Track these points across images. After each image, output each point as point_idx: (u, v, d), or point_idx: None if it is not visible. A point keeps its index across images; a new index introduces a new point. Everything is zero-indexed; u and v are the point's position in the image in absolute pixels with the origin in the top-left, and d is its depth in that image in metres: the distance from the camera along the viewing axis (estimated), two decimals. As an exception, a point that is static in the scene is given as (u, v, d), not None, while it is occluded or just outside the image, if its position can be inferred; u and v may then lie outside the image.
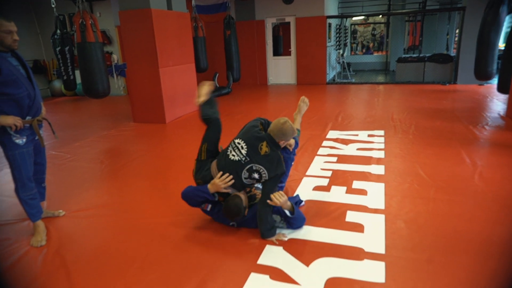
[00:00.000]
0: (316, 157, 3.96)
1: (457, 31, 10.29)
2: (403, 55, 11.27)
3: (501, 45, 7.16)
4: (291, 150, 2.74)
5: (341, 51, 11.32)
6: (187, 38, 6.64)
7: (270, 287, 1.93)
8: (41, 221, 2.61)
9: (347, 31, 13.02)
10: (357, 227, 2.48)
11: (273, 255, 2.22)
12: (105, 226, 2.72)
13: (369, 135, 4.69)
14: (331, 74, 10.92)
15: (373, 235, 2.38)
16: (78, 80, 7.55)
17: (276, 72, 10.55)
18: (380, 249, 2.22)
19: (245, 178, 2.40)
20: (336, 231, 2.45)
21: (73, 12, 9.03)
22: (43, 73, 10.14)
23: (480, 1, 7.24)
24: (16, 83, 2.33)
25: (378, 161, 3.75)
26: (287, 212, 2.41)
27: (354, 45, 16.55)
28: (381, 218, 2.59)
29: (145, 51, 5.73)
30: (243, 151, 2.40)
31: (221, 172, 2.40)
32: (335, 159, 3.88)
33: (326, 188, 3.16)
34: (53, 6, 6.02)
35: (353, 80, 10.45)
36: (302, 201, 2.86)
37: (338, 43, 11.23)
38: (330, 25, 10.22)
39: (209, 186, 2.42)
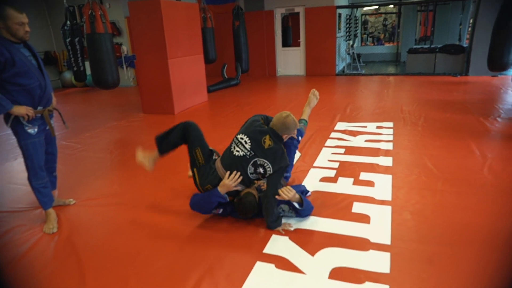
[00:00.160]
0: (324, 149, 3.96)
1: (471, 21, 10.07)
2: (415, 46, 11.10)
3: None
4: (294, 137, 2.74)
5: (351, 42, 11.19)
6: (195, 29, 6.64)
7: (276, 276, 1.96)
8: (52, 209, 2.68)
9: (357, 21, 12.85)
10: (363, 218, 2.49)
11: (278, 244, 2.24)
12: (114, 215, 2.78)
13: (378, 127, 4.66)
14: (340, 65, 10.83)
15: (379, 226, 2.39)
16: (88, 71, 7.63)
17: (285, 63, 10.49)
18: (386, 240, 2.22)
19: (250, 173, 2.42)
20: (342, 222, 2.46)
21: (83, 3, 9.09)
22: (54, 64, 10.25)
23: (497, -11, 7.06)
24: (28, 73, 2.37)
25: (386, 152, 3.73)
26: (296, 205, 2.43)
27: (365, 36, 16.33)
28: (387, 209, 2.59)
29: (154, 42, 5.75)
30: (247, 146, 2.41)
31: (228, 172, 2.40)
32: (342, 150, 3.88)
33: (333, 180, 3.17)
34: (63, -3, 6.07)
35: (363, 72, 10.35)
36: (308, 191, 2.88)
37: (348, 33, 11.10)
38: (340, 15, 10.10)
39: (219, 188, 2.39)
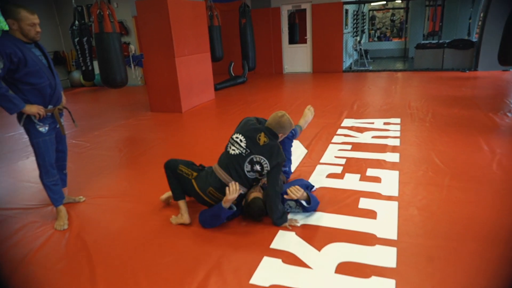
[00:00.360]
0: (331, 145, 3.97)
1: (481, 15, 9.92)
2: (422, 41, 10.99)
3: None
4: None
5: (358, 38, 11.13)
6: (202, 27, 6.67)
7: (282, 270, 1.99)
8: (63, 206, 2.74)
9: (364, 17, 12.76)
10: (370, 214, 2.50)
11: (285, 240, 2.26)
12: (124, 212, 2.82)
13: (385, 123, 4.65)
14: (347, 61, 10.77)
15: (386, 221, 2.39)
16: (97, 70, 7.72)
17: (292, 61, 10.47)
18: (393, 235, 2.23)
19: (248, 172, 2.42)
20: (348, 217, 2.47)
21: (91, 3, 9.19)
22: (63, 64, 10.38)
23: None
24: (38, 73, 2.43)
25: (393, 149, 3.72)
26: (304, 203, 2.46)
27: (372, 32, 16.21)
28: (394, 205, 2.60)
29: (162, 40, 5.80)
30: (243, 144, 2.43)
31: (227, 188, 2.35)
32: (349, 147, 3.88)
33: (340, 176, 3.18)
34: (71, -3, 6.14)
35: (371, 68, 10.29)
36: (313, 186, 2.89)
37: (355, 30, 11.03)
38: (347, 11, 10.04)
39: (224, 204, 2.36)
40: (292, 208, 2.56)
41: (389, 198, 2.71)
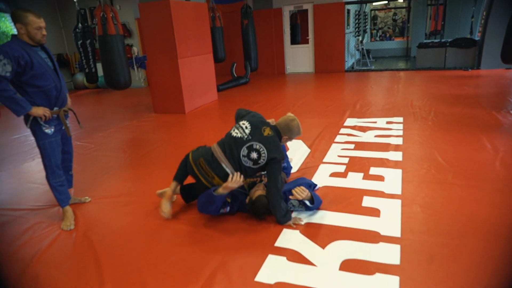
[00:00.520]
0: (333, 144, 3.98)
1: (483, 13, 9.90)
2: (425, 41, 10.98)
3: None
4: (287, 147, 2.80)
5: (360, 38, 11.14)
6: (205, 29, 6.71)
7: (287, 268, 2.01)
8: (69, 206, 2.77)
9: (366, 17, 12.77)
10: (373, 212, 2.52)
11: (290, 238, 2.28)
12: (129, 212, 2.85)
13: (388, 122, 4.66)
14: (350, 61, 10.78)
15: (389, 219, 2.41)
16: (100, 72, 7.78)
17: (294, 61, 10.50)
18: (396, 232, 2.25)
19: (243, 156, 2.42)
20: (352, 216, 2.49)
21: (94, 6, 9.23)
22: (66, 66, 10.45)
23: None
24: (44, 75, 2.46)
25: (396, 147, 3.74)
26: (308, 202, 2.48)
27: (374, 32, 16.21)
28: (397, 203, 2.61)
29: (164, 42, 5.83)
30: (247, 131, 2.48)
31: (230, 175, 2.40)
32: (352, 146, 3.89)
33: (343, 175, 3.19)
34: (75, 0, 6.20)
35: (373, 67, 10.29)
36: (316, 184, 2.91)
37: (357, 29, 11.04)
38: (349, 11, 10.06)
39: (220, 190, 2.40)
40: (295, 207, 2.58)
41: (392, 196, 2.72)
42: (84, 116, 6.58)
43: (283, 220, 2.42)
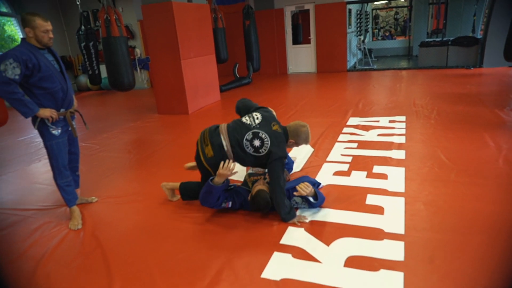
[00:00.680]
0: (337, 144, 4.01)
1: (486, 11, 9.89)
2: (426, 39, 10.98)
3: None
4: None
5: (362, 37, 11.15)
6: (207, 30, 6.75)
7: (293, 265, 2.04)
8: (76, 206, 2.81)
9: (368, 16, 12.78)
10: (377, 210, 2.54)
11: (294, 235, 2.31)
12: (135, 211, 2.89)
13: (390, 121, 4.68)
14: (352, 61, 10.80)
15: (393, 216, 2.43)
16: (103, 74, 7.83)
17: (296, 61, 10.53)
18: (400, 229, 2.27)
19: (246, 140, 2.48)
20: (356, 213, 2.51)
21: (96, 8, 9.32)
22: (69, 68, 10.52)
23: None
24: (51, 77, 2.51)
25: (399, 146, 3.76)
26: (311, 199, 2.51)
27: (376, 31, 16.21)
28: (401, 200, 2.64)
29: (167, 43, 5.88)
30: (257, 121, 2.54)
31: (222, 162, 2.44)
32: (355, 145, 3.92)
33: (347, 173, 3.22)
34: (78, 3, 6.26)
35: (375, 67, 10.31)
36: (320, 183, 2.94)
37: (358, 29, 11.05)
38: (350, 11, 10.08)
39: (216, 179, 2.46)
40: (298, 204, 2.61)
41: (396, 194, 2.75)
42: (88, 117, 6.59)
43: (287, 217, 2.45)
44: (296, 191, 2.47)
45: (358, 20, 11.03)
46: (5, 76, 2.31)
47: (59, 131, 2.65)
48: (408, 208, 2.52)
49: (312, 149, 3.88)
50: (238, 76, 9.06)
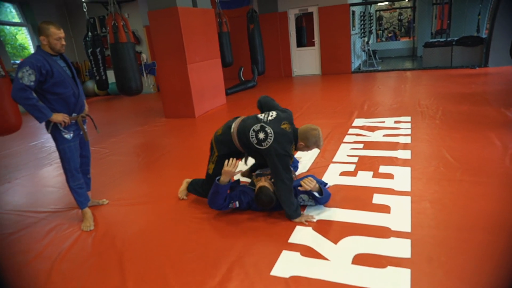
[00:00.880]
0: (343, 144, 4.05)
1: (491, 10, 9.86)
2: (430, 40, 10.98)
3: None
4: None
5: (366, 39, 11.18)
6: (212, 34, 6.83)
7: (301, 263, 2.08)
8: (88, 208, 2.88)
9: (371, 18, 12.81)
10: (384, 208, 2.58)
11: (302, 234, 2.36)
12: (146, 212, 2.96)
13: (396, 122, 4.71)
14: (356, 62, 10.83)
15: (400, 215, 2.47)
16: (110, 80, 7.95)
17: (301, 64, 10.58)
18: (406, 227, 2.31)
19: (252, 130, 2.56)
20: (363, 212, 2.55)
21: (103, 15, 9.46)
22: (77, 74, 10.64)
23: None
24: (64, 83, 2.59)
25: (404, 146, 3.79)
26: (316, 194, 2.55)
27: (380, 32, 16.23)
28: (407, 199, 2.67)
29: (174, 48, 5.96)
30: (270, 118, 2.61)
31: (226, 160, 2.55)
32: (361, 145, 3.95)
33: (353, 174, 3.26)
34: (84, 10, 6.38)
35: (379, 68, 10.32)
36: (326, 183, 2.98)
37: (362, 31, 11.09)
38: (354, 12, 10.13)
39: (222, 178, 2.54)
40: (305, 201, 2.65)
41: (402, 193, 2.78)
42: (96, 122, 6.68)
43: (294, 215, 2.49)
44: (301, 186, 2.52)
45: (362, 22, 11.07)
46: (22, 82, 2.40)
47: (71, 135, 2.73)
48: (414, 207, 2.55)
49: (318, 150, 3.91)
50: (243, 79, 9.13)
